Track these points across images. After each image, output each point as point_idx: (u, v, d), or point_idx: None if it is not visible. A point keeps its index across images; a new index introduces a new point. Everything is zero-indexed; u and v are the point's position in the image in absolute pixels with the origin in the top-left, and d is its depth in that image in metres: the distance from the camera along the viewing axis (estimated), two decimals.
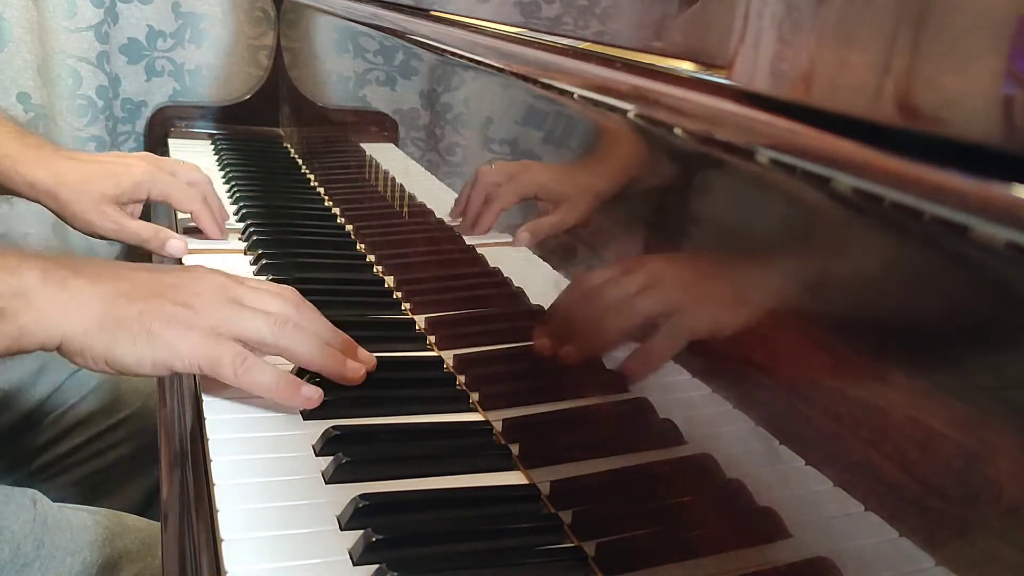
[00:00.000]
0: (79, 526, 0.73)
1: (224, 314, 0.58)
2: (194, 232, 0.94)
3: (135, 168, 0.90)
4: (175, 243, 0.88)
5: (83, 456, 0.94)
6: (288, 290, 0.63)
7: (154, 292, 0.57)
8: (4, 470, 0.91)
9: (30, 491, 0.74)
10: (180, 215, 0.98)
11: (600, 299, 0.51)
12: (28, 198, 0.88)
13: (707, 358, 0.41)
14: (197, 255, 0.88)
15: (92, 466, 0.94)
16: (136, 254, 0.92)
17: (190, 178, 0.94)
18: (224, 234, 0.94)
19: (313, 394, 0.59)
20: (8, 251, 0.56)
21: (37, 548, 0.69)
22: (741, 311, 0.39)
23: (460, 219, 0.71)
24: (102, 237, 0.89)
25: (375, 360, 0.65)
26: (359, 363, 0.62)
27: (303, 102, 1.30)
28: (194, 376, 0.63)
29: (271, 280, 0.80)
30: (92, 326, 0.54)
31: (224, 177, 1.19)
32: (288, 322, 0.59)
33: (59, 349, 0.55)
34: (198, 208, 0.92)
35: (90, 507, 0.78)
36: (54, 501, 0.75)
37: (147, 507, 0.93)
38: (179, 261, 0.87)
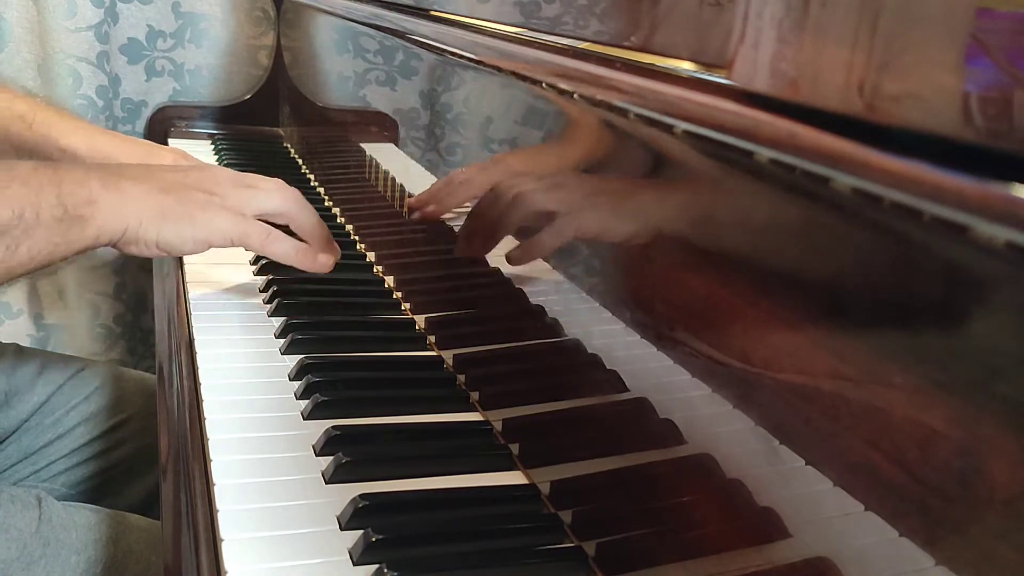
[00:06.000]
0: (83, 525, 0.73)
1: (243, 196, 0.71)
2: None
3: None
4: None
5: (86, 456, 0.94)
6: (288, 190, 0.74)
7: (185, 185, 0.69)
8: (8, 469, 0.91)
9: (35, 490, 0.74)
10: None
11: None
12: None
13: (707, 358, 0.41)
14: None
15: (95, 466, 0.94)
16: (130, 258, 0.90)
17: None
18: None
19: (328, 260, 0.74)
20: (70, 166, 0.66)
21: (44, 547, 0.70)
22: (740, 311, 0.39)
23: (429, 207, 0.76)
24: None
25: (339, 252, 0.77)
26: (329, 255, 0.75)
27: (303, 102, 1.30)
28: (194, 375, 0.64)
29: (271, 279, 0.80)
30: (144, 218, 0.65)
31: None
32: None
33: (117, 242, 0.65)
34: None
35: (94, 506, 0.78)
36: (58, 500, 0.75)
37: (150, 506, 0.93)
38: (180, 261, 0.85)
